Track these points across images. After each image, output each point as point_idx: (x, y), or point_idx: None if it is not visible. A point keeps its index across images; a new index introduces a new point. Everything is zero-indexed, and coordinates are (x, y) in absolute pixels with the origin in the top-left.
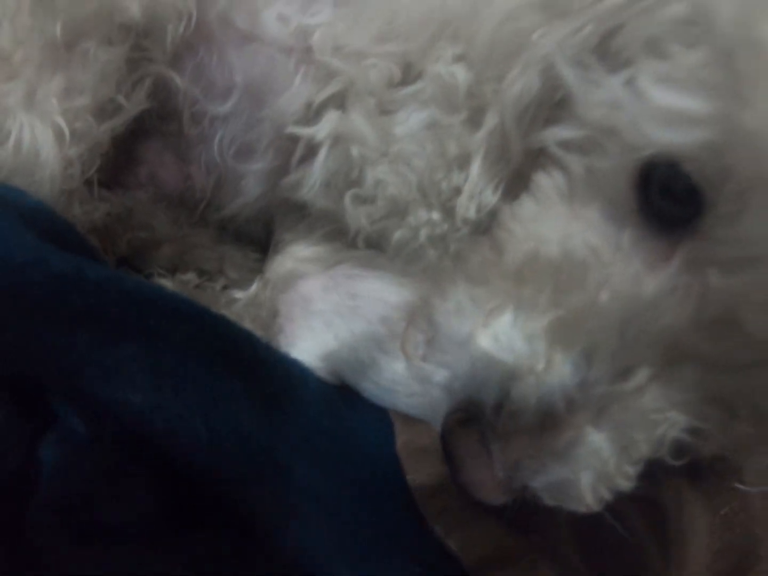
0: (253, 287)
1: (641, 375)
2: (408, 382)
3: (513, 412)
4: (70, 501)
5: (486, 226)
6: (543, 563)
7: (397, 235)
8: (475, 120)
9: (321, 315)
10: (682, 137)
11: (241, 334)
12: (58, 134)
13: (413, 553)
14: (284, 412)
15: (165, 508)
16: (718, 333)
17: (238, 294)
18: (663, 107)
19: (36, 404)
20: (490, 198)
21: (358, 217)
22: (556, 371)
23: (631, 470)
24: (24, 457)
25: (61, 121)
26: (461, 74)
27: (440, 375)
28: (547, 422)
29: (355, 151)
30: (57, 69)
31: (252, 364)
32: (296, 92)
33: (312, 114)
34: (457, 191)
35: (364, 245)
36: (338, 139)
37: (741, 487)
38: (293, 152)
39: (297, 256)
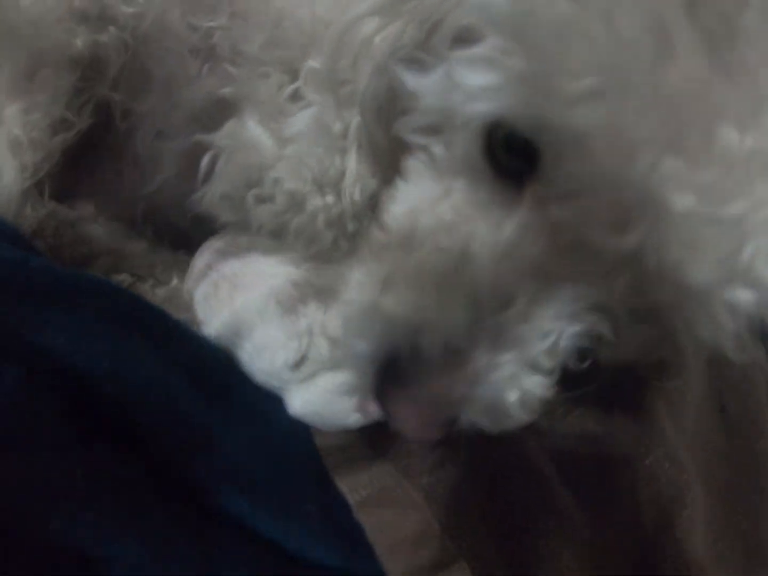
0: (174, 280)
1: (520, 302)
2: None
3: (426, 359)
4: None
5: (373, 204)
6: (415, 496)
7: (295, 222)
8: (350, 102)
9: (224, 295)
10: (501, 104)
11: (159, 312)
12: (18, 144)
13: (315, 497)
14: (202, 375)
15: (81, 435)
16: (574, 253)
17: (163, 289)
18: (480, 84)
19: None
20: (371, 183)
21: (260, 214)
22: (450, 317)
23: (546, 380)
24: None
25: (21, 133)
26: (322, 62)
27: (360, 346)
28: (457, 359)
29: (253, 158)
30: (20, 93)
31: (170, 333)
32: (202, 83)
33: (214, 114)
34: (344, 174)
35: (267, 236)
36: (236, 149)
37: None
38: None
39: (211, 247)
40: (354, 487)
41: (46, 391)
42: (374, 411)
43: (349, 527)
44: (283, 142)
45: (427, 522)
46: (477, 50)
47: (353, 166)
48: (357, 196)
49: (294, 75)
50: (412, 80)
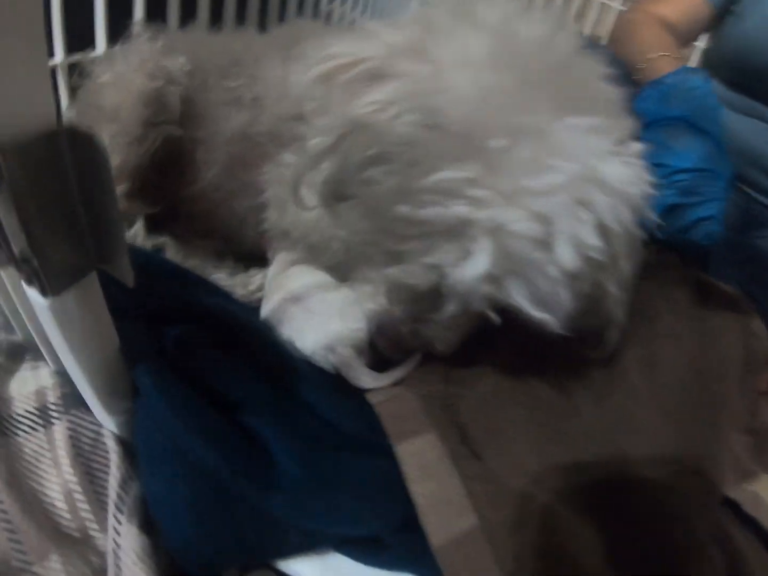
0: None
1: None
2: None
3: None
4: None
5: None
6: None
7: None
8: None
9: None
10: None
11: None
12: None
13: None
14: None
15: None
16: None
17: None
18: None
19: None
20: None
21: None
22: None
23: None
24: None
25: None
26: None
27: None
28: None
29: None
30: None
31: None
32: (232, 121)
33: None
34: None
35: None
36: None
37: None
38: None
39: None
40: (374, 395)
41: (206, 330)
42: None
43: (369, 414)
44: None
45: (414, 409)
46: None
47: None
48: None
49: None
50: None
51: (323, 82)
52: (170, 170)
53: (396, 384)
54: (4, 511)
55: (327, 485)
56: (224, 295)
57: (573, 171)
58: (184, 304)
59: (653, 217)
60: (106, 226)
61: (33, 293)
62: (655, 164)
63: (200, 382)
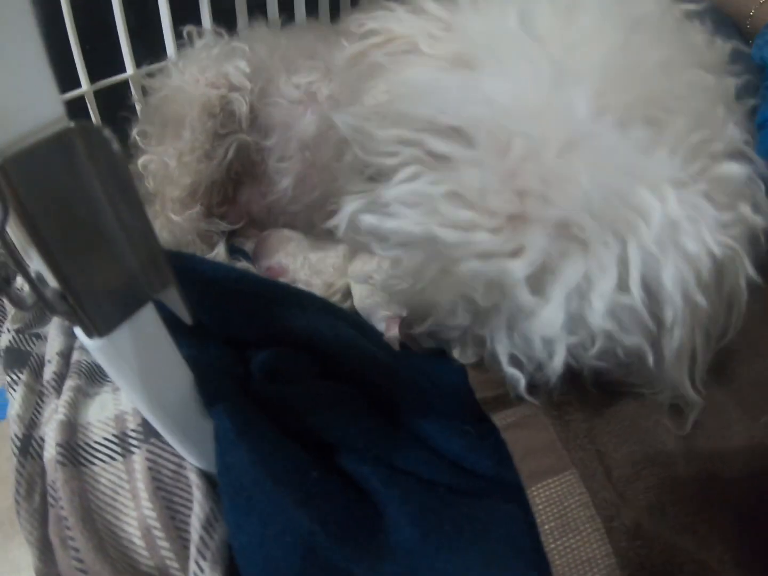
0: None
1: None
2: None
3: None
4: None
5: None
6: (546, 422)
7: None
8: None
9: None
10: None
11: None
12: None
13: (471, 421)
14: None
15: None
16: None
17: None
18: None
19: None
20: None
21: None
22: None
23: None
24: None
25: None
26: None
27: None
28: None
29: None
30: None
31: (339, 311)
32: (306, 123)
33: None
34: None
35: None
36: None
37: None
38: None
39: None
40: (503, 416)
41: (298, 354)
42: None
43: (496, 443)
44: None
45: (551, 439)
46: None
47: None
48: None
49: None
50: None
51: (357, 62)
52: (247, 182)
53: (526, 402)
54: (77, 549)
55: (449, 546)
56: (322, 307)
57: None
58: (271, 325)
59: None
60: (143, 245)
61: (80, 333)
62: None
63: (289, 418)
